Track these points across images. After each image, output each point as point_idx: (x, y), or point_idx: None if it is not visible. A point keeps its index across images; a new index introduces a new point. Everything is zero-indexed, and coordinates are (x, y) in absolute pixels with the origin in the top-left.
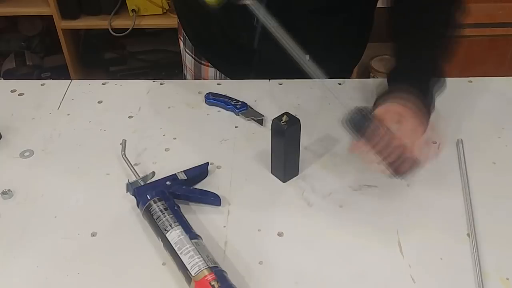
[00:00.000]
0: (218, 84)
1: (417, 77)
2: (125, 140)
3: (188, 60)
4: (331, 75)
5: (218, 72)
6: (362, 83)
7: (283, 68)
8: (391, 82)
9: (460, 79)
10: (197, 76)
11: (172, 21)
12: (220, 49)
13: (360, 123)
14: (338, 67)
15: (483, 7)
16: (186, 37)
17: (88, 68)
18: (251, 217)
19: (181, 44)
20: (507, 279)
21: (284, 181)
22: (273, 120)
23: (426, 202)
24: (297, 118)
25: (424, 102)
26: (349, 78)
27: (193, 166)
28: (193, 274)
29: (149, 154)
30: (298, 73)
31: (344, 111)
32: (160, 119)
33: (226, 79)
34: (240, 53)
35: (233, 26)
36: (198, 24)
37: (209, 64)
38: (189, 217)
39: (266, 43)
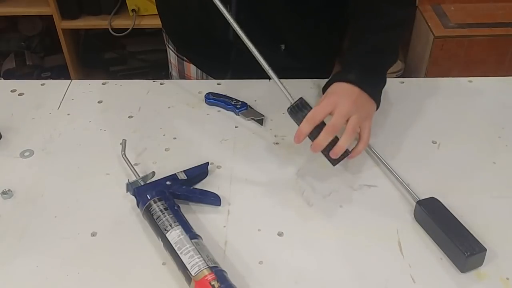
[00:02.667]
0: (218, 84)
1: (360, 64)
2: (125, 140)
3: (172, 56)
4: (308, 67)
5: (199, 70)
6: None
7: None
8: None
9: (460, 79)
10: (182, 73)
11: None
12: (197, 44)
13: (298, 112)
14: (314, 58)
15: (483, 7)
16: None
17: (88, 68)
18: (251, 217)
19: (165, 41)
20: (507, 279)
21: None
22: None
23: None
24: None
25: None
26: (330, 71)
27: (193, 166)
28: (193, 274)
29: (149, 154)
30: (276, 72)
31: None
32: (160, 119)
33: (208, 78)
34: (217, 48)
35: (208, 17)
36: (175, 17)
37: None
38: (189, 217)
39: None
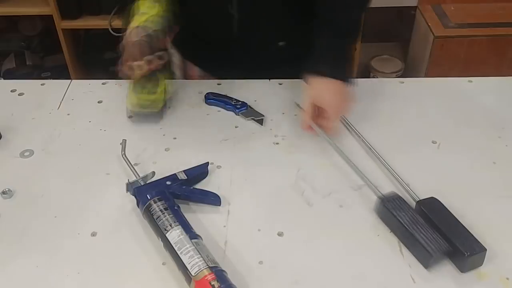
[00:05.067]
0: (218, 84)
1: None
2: (125, 140)
3: (176, 57)
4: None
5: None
6: (362, 83)
7: (264, 59)
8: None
9: (460, 79)
10: (186, 73)
11: None
12: (198, 38)
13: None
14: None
15: (483, 7)
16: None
17: (88, 68)
18: (251, 217)
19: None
20: (507, 279)
21: None
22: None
23: None
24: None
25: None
26: None
27: (193, 166)
28: (193, 274)
29: (149, 154)
30: (281, 68)
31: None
32: (160, 119)
33: (211, 74)
34: (219, 43)
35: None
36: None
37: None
38: (189, 217)
39: (245, 30)
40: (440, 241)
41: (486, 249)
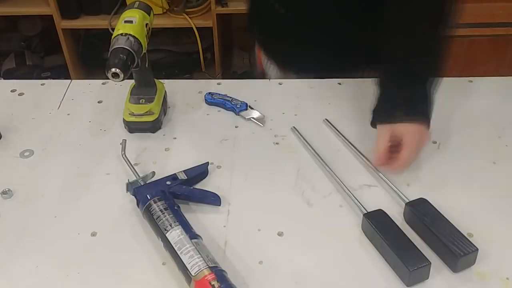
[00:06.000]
0: (218, 84)
1: (412, 80)
2: (125, 140)
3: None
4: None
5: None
6: (362, 82)
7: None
8: (385, 84)
9: (460, 79)
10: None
11: (172, 21)
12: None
13: None
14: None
15: (483, 7)
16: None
17: (88, 68)
18: (251, 217)
19: (263, 58)
20: (507, 279)
21: None
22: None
23: None
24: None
25: (421, 110)
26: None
27: (193, 166)
28: (193, 274)
29: (149, 154)
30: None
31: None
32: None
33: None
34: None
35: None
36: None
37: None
38: (189, 217)
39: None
40: (420, 255)
41: (477, 249)
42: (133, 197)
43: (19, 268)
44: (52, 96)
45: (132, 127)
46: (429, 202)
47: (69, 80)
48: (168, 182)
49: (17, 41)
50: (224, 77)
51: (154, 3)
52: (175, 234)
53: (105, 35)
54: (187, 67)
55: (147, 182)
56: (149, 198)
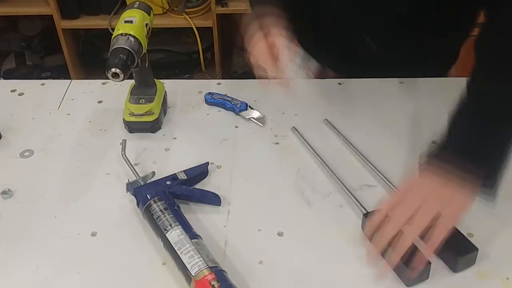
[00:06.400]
0: (218, 84)
1: (483, 152)
2: (125, 140)
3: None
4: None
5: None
6: (362, 82)
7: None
8: (447, 143)
9: (460, 79)
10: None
11: (172, 21)
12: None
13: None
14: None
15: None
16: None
17: (88, 68)
18: (251, 217)
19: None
20: (507, 279)
21: None
22: None
23: None
24: None
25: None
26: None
27: (193, 166)
28: (193, 274)
29: (149, 154)
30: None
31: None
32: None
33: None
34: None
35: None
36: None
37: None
38: (189, 217)
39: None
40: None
41: (477, 249)
42: (133, 197)
43: (19, 268)
44: (52, 96)
45: (132, 127)
46: None
47: (69, 80)
48: (168, 182)
49: (17, 41)
50: (224, 77)
51: (154, 3)
52: (175, 234)
53: (105, 35)
54: (187, 67)
55: (147, 182)
56: (149, 198)
